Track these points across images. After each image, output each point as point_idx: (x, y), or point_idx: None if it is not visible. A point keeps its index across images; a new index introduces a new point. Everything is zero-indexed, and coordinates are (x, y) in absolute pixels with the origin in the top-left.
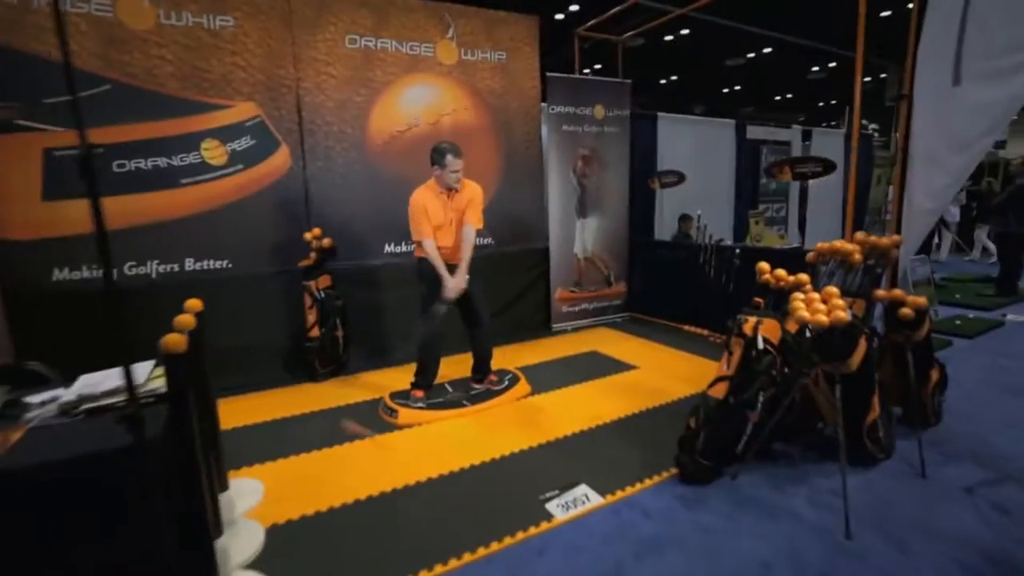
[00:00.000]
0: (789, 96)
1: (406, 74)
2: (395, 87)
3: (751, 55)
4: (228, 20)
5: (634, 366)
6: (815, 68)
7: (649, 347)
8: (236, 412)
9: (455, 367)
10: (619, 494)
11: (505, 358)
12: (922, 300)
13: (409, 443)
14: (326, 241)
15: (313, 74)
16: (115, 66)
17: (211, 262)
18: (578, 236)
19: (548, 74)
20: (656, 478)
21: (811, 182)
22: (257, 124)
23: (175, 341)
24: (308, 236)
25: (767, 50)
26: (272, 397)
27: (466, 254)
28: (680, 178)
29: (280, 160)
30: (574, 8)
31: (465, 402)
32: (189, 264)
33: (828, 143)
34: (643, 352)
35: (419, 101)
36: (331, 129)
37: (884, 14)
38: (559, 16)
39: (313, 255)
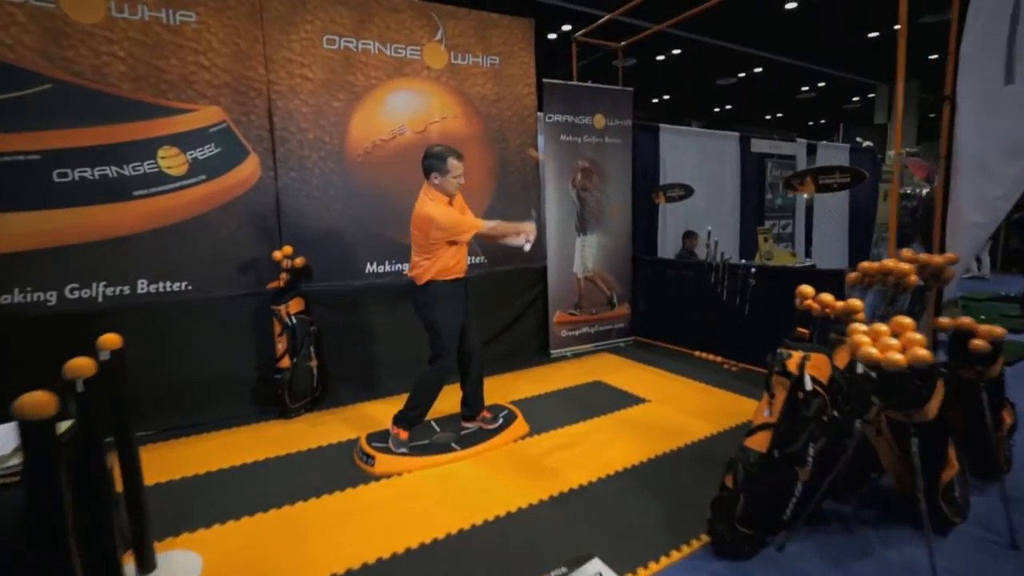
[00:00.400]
0: (780, 115)
1: (390, 78)
2: (378, 92)
3: (742, 75)
4: (190, 15)
5: (644, 399)
6: (804, 88)
7: (658, 376)
8: (186, 458)
9: (442, 400)
10: (642, 572)
11: (499, 390)
12: (999, 330)
13: (386, 499)
14: (298, 260)
15: (287, 76)
16: (58, 63)
17: (168, 284)
18: (577, 254)
19: (545, 80)
20: (685, 548)
21: (816, 198)
22: (222, 130)
23: (36, 404)
24: (278, 255)
25: (757, 70)
26: (234, 437)
27: (497, 225)
28: (687, 191)
29: (248, 170)
30: (566, 28)
31: (454, 445)
32: (142, 286)
33: (833, 157)
34: (652, 382)
35: (405, 108)
36: (306, 137)
37: (872, 35)
38: (551, 36)
39: (284, 276)
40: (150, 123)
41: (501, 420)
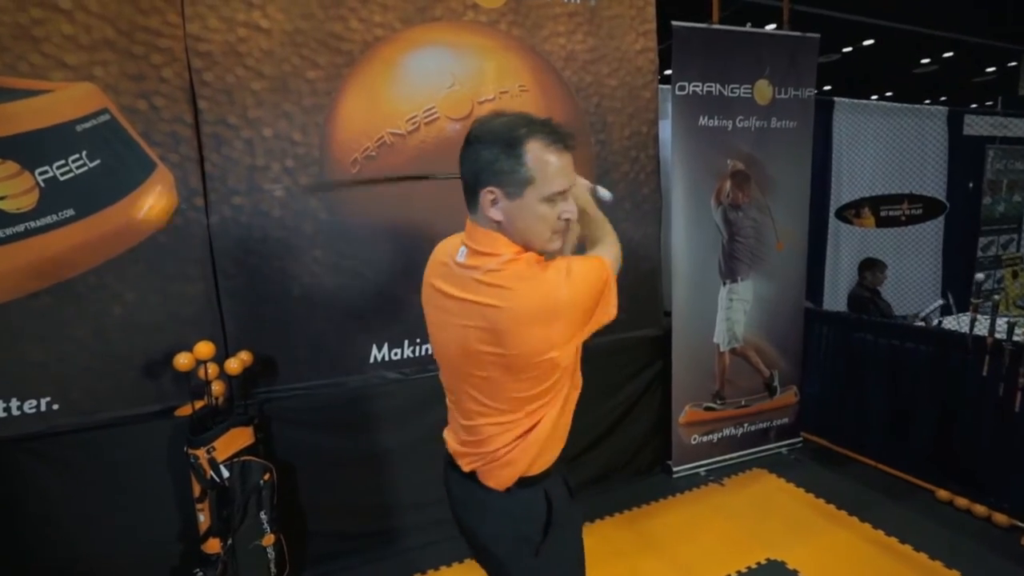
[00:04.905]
0: (889, 94)
1: (408, 26)
2: (387, 51)
3: (847, 49)
4: None
5: None
6: (925, 60)
7: (887, 554)
8: None
9: None
10: None
11: (593, 557)
12: None
13: None
14: (234, 364)
15: (221, 26)
16: None
17: (13, 404)
18: (721, 314)
19: (674, 24)
20: None
21: None
22: (102, 127)
23: None
24: (184, 361)
25: (868, 42)
26: None
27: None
28: (927, 209)
29: (154, 197)
30: None
31: None
32: None
33: None
34: (886, 572)
35: (434, 77)
36: (259, 133)
37: None
38: None
39: (208, 391)
40: None
41: None
